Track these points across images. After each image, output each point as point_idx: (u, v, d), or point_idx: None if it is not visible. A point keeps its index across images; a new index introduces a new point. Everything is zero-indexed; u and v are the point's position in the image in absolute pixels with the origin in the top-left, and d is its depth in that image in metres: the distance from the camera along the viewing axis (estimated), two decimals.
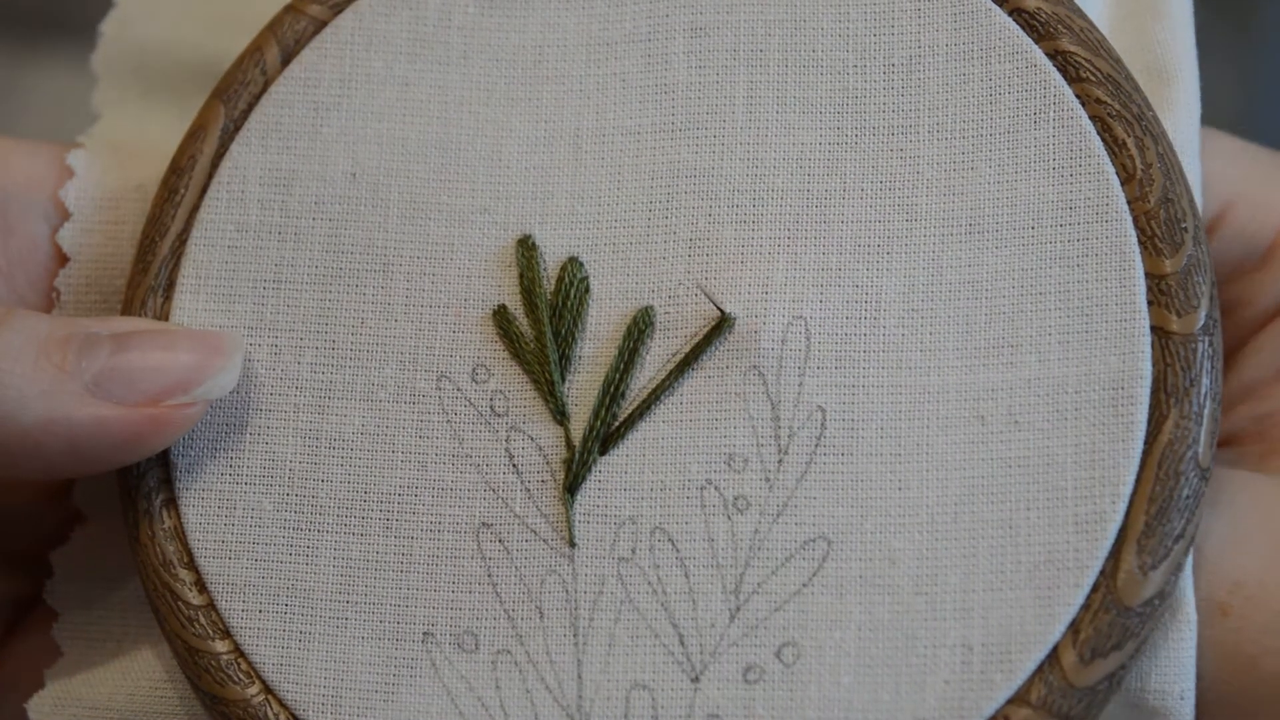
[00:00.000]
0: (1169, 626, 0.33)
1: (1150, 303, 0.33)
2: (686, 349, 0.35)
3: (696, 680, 0.33)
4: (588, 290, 0.36)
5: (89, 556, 0.38)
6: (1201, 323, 0.33)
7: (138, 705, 0.36)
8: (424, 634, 0.34)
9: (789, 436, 0.34)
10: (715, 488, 0.34)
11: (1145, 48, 0.37)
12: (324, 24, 0.38)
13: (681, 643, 0.33)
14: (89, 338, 0.34)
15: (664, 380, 0.35)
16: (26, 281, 0.38)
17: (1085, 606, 0.32)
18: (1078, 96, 0.35)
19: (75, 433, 0.33)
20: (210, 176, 0.37)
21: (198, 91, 0.38)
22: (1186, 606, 0.33)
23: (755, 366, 0.34)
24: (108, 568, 0.38)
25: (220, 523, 0.35)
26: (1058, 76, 0.35)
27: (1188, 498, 0.32)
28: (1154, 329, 0.33)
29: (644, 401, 0.35)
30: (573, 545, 0.34)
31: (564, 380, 0.35)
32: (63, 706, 0.37)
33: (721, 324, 0.35)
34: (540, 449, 0.35)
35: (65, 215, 0.38)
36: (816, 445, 0.34)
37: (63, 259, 0.38)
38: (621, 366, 0.35)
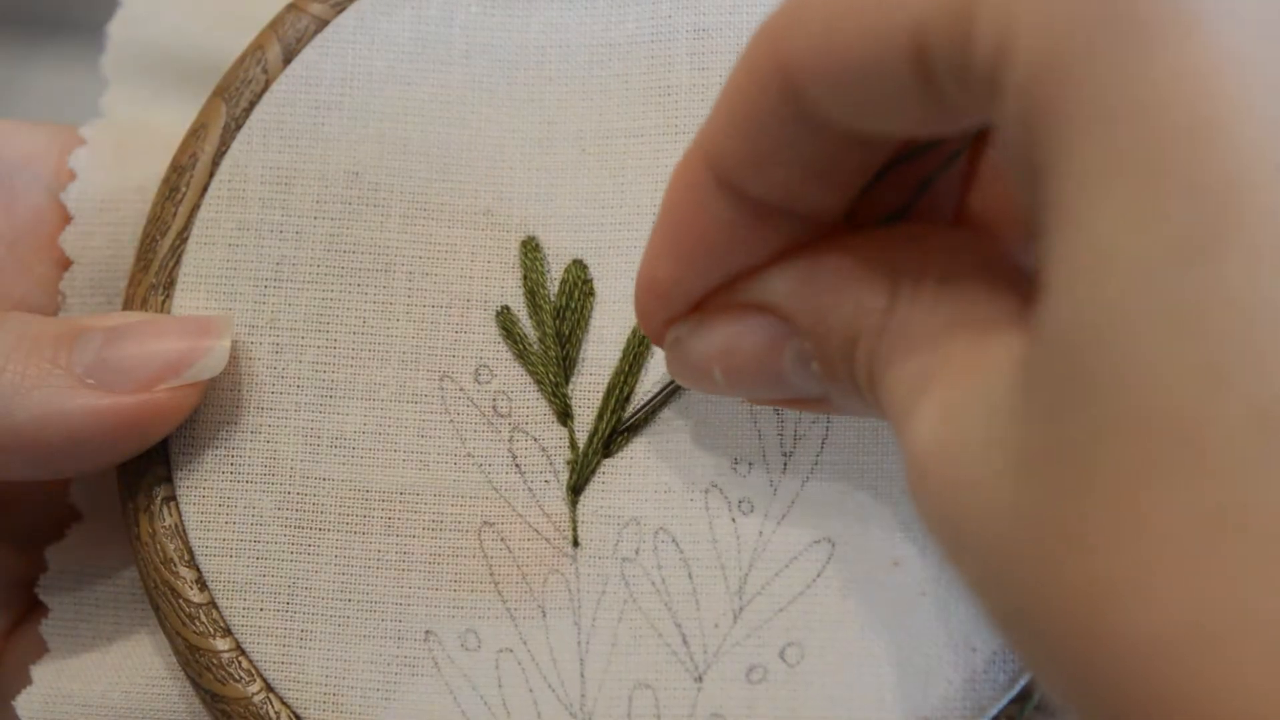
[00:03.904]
0: None
1: None
2: None
3: (700, 680, 0.33)
4: (592, 293, 0.36)
5: (83, 554, 0.38)
6: None
7: (132, 703, 0.36)
8: (426, 632, 0.34)
9: (794, 440, 0.34)
10: (720, 490, 0.34)
11: None
12: (326, 22, 0.37)
13: (685, 642, 0.33)
14: (81, 332, 0.34)
15: (669, 385, 0.35)
16: (31, 249, 0.38)
17: None
18: None
19: (71, 424, 0.33)
20: (211, 174, 0.37)
21: (208, 90, 0.38)
22: None
23: None
24: (101, 566, 0.38)
25: (221, 521, 0.35)
26: None
27: None
28: None
29: (649, 405, 0.35)
30: (576, 545, 0.34)
31: (568, 382, 0.35)
32: (54, 703, 0.36)
33: None
34: (544, 450, 0.35)
35: (70, 179, 0.38)
36: (821, 448, 0.34)
37: (67, 221, 0.38)
38: (626, 369, 0.35)
